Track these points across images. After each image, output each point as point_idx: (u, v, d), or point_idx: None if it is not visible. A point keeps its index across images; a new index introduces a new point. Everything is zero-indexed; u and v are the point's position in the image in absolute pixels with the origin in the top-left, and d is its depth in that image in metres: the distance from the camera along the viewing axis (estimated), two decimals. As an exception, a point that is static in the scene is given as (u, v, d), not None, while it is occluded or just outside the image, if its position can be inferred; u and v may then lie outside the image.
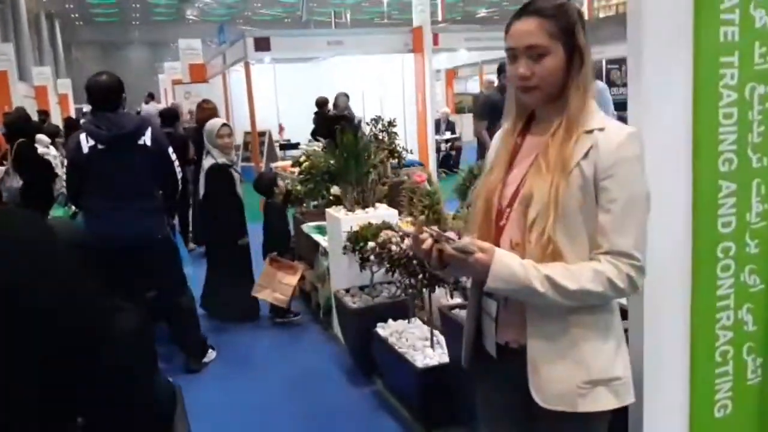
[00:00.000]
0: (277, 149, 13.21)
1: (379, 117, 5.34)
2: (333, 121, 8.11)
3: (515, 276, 1.35)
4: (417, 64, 9.68)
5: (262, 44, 8.78)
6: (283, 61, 13.30)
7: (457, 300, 3.23)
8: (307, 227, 4.64)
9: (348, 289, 3.87)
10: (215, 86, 11.52)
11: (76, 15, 35.84)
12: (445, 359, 2.98)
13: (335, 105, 9.06)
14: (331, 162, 4.42)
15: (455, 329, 2.68)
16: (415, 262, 2.88)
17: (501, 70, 6.62)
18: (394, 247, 3.07)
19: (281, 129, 14.09)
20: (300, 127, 13.28)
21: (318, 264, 4.55)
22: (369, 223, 3.72)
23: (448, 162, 12.53)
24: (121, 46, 39.56)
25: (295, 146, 13.33)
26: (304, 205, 5.24)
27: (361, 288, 3.87)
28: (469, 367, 1.62)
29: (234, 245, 4.69)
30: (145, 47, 40.35)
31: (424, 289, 2.99)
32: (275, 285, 4.62)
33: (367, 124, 5.05)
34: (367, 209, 3.99)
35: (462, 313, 2.76)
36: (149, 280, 3.70)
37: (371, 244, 3.44)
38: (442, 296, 3.27)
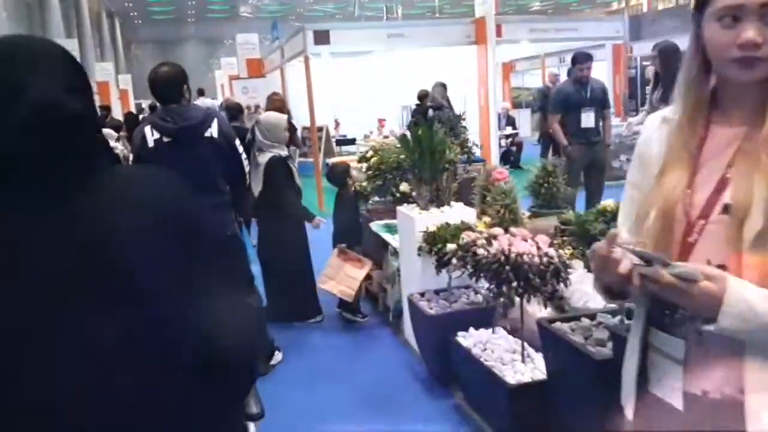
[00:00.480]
0: (333, 145, 13.07)
1: (441, 105, 5.05)
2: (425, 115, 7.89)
3: (755, 313, 1.03)
4: (480, 57, 9.36)
5: (322, 37, 8.60)
6: (340, 55, 13.12)
7: (548, 311, 2.95)
8: (376, 226, 4.41)
9: (422, 293, 3.61)
10: (272, 81, 11.43)
11: (135, 13, 36.62)
12: (539, 376, 2.69)
13: (431, 97, 8.68)
14: (402, 157, 4.17)
15: (557, 345, 2.40)
16: (507, 267, 2.60)
17: (576, 61, 6.24)
18: (480, 251, 2.79)
19: (337, 124, 13.95)
20: (355, 123, 13.16)
21: (387, 264, 4.31)
22: (446, 224, 3.47)
23: (508, 158, 12.16)
24: (177, 43, 40.29)
25: (352, 142, 13.18)
26: (371, 202, 5.01)
27: (437, 292, 3.61)
28: (638, 417, 1.32)
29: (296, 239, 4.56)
30: (200, 44, 40.99)
31: (517, 298, 2.71)
32: (341, 277, 4.42)
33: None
34: (442, 208, 3.73)
35: (565, 327, 2.47)
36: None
37: (451, 246, 3.18)
38: (530, 305, 2.99)
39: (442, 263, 3.38)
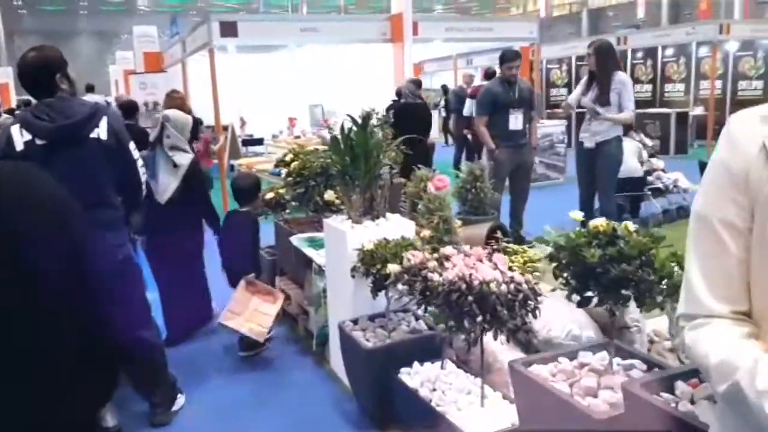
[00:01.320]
0: (240, 145, 12.31)
1: (373, 110, 4.61)
2: (404, 111, 7.35)
3: None
4: (396, 55, 8.98)
5: (229, 29, 7.92)
6: (246, 50, 12.38)
7: (517, 352, 2.53)
8: (297, 240, 3.85)
9: (355, 319, 3.11)
10: (173, 77, 10.55)
11: (19, 2, 33.88)
12: (504, 424, 2.26)
13: (404, 94, 8.10)
14: (329, 161, 3.65)
15: (536, 394, 1.96)
16: (470, 298, 2.15)
17: (504, 59, 5.93)
18: (435, 276, 2.32)
19: (243, 123, 13.17)
20: (263, 122, 12.43)
21: (311, 284, 3.77)
22: (385, 240, 2.98)
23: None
24: (68, 36, 37.58)
25: (260, 142, 12.46)
26: (288, 211, 4.45)
27: (372, 318, 3.12)
28: None
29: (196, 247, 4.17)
30: (94, 38, 38.48)
31: (484, 334, 2.26)
32: (250, 313, 3.82)
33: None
34: (377, 220, 3.25)
35: (544, 372, 2.04)
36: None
37: (393, 267, 2.69)
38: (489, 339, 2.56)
39: (379, 286, 2.90)
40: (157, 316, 3.49)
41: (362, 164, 3.15)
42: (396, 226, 3.21)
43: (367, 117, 3.25)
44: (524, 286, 2.21)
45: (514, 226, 6.07)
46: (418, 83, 7.95)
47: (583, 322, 2.73)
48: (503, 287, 2.16)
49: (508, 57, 5.95)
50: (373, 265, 2.84)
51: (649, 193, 6.71)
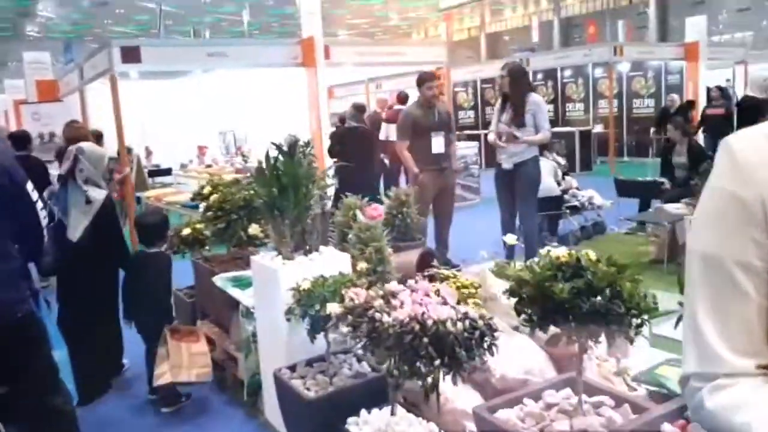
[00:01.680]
0: (146, 176, 11.70)
1: (294, 136, 4.42)
2: (348, 136, 7.08)
3: None
4: (309, 79, 8.80)
5: (131, 55, 7.47)
6: (149, 77, 11.84)
7: (469, 390, 2.37)
8: (221, 280, 3.55)
9: (292, 366, 2.86)
10: (71, 106, 9.88)
11: None
12: (467, 473, 2.09)
13: (344, 119, 7.78)
14: (251, 192, 3.41)
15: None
16: (426, 339, 1.97)
17: (423, 80, 5.88)
18: (384, 317, 2.13)
19: (149, 153, 12.55)
20: (170, 151, 11.89)
21: (238, 328, 3.48)
22: (322, 277, 2.77)
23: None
24: (-56, 65, 35.00)
25: (167, 172, 11.90)
26: (207, 248, 4.14)
27: (310, 363, 2.88)
28: None
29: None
30: (-24, 66, 36.00)
31: (443, 379, 2.08)
32: (188, 360, 3.52)
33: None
34: (310, 255, 3.03)
35: (513, 417, 1.89)
36: (2, 374, 2.49)
37: (333, 307, 2.48)
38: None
39: (317, 328, 2.68)
40: (66, 376, 3.10)
41: (291, 196, 2.93)
42: (331, 261, 3.01)
43: (293, 144, 3.04)
44: (480, 322, 2.06)
45: (440, 249, 6.00)
46: (360, 108, 7.83)
47: (534, 353, 2.62)
48: (459, 325, 2.01)
49: (426, 78, 5.91)
50: (311, 305, 2.62)
51: (568, 211, 6.83)
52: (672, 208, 5.92)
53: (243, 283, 3.45)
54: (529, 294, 1.73)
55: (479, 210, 9.59)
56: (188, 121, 11.34)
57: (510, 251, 5.44)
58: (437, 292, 2.31)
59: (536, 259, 1.90)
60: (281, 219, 2.99)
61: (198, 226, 4.05)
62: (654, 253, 6.00)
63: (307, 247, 3.04)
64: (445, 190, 6.03)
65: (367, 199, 4.26)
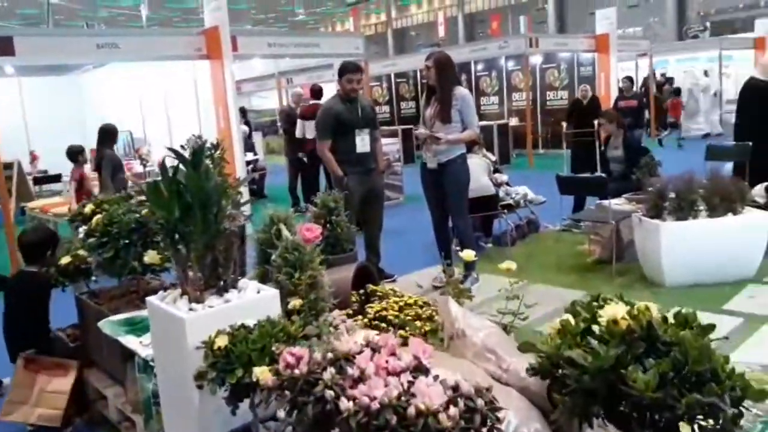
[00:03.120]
0: (31, 184, 10.44)
1: (200, 137, 3.69)
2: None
3: None
4: (214, 73, 7.96)
5: (3, 47, 6.40)
6: (32, 72, 10.53)
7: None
8: (110, 325, 2.76)
9: (209, 441, 2.17)
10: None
11: None
12: None
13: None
14: (139, 213, 2.67)
15: None
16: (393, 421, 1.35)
17: (345, 70, 5.23)
18: (342, 402, 1.49)
19: (34, 158, 11.22)
20: (58, 155, 10.64)
21: (136, 385, 2.72)
22: (242, 327, 2.08)
23: (250, 188, 10.89)
24: None
25: (56, 179, 10.66)
26: (94, 279, 3.33)
27: (232, 436, 2.20)
28: None
29: None
30: None
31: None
32: (38, 397, 3.05)
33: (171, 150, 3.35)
34: (226, 294, 2.33)
35: None
36: None
37: (264, 374, 1.81)
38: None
39: (239, 395, 2.00)
40: None
41: (198, 217, 2.22)
42: (254, 301, 2.32)
43: (199, 150, 2.33)
44: (479, 402, 1.46)
45: (371, 258, 5.40)
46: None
47: (525, 411, 2.06)
48: (453, 411, 1.40)
49: (349, 68, 5.26)
50: (230, 371, 1.94)
51: (505, 211, 6.40)
52: (611, 203, 5.58)
53: (140, 327, 2.71)
54: (587, 386, 1.14)
55: (405, 210, 9.07)
56: (79, 120, 10.19)
57: (470, 268, 4.94)
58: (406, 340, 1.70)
59: (569, 317, 1.31)
60: (186, 248, 2.28)
61: (81, 252, 3.24)
62: (597, 252, 5.65)
63: (222, 284, 2.34)
64: (373, 193, 5.43)
65: (292, 209, 3.60)
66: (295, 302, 2.45)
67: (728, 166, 6.48)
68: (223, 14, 7.73)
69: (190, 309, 2.21)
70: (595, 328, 1.24)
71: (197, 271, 2.29)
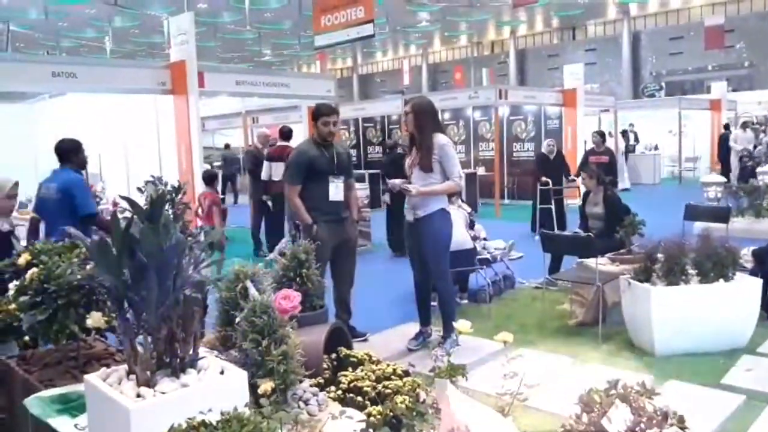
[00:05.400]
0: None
1: (160, 178, 3.30)
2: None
3: None
4: (178, 109, 7.58)
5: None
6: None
7: None
8: (40, 402, 2.28)
9: None
10: None
11: None
12: None
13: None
14: (72, 274, 2.25)
15: None
16: None
17: (320, 113, 4.91)
18: None
19: (-22, 190, 10.52)
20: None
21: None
22: (202, 426, 1.67)
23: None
24: None
25: (1, 213, 9.97)
26: (26, 339, 2.85)
27: None
28: None
29: None
30: None
31: None
32: None
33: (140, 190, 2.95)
34: (183, 376, 1.91)
35: None
36: None
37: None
38: None
39: None
40: None
41: (154, 283, 1.82)
42: (218, 384, 1.92)
43: (159, 200, 1.94)
44: None
45: (342, 315, 5.00)
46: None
47: None
48: None
49: (324, 111, 4.95)
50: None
51: (484, 267, 6.10)
52: (592, 263, 5.33)
53: (76, 405, 2.25)
54: None
55: (374, 258, 8.71)
56: (30, 153, 9.60)
57: (450, 329, 4.61)
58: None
59: None
60: (137, 319, 1.87)
61: (12, 307, 2.77)
62: (580, 314, 5.35)
63: (178, 362, 1.93)
64: (346, 244, 5.07)
65: (260, 264, 3.21)
66: (265, 386, 2.04)
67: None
68: (191, 48, 7.41)
69: (138, 395, 1.79)
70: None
71: (149, 347, 1.88)
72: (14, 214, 4.89)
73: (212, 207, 7.37)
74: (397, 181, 4.78)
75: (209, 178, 7.68)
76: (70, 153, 4.82)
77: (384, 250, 9.07)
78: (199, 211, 7.32)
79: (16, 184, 4.23)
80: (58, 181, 4.60)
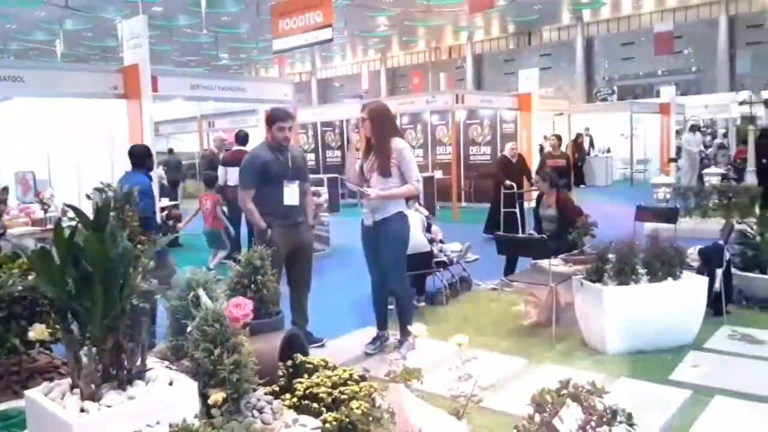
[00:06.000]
0: None
1: (109, 185, 3.25)
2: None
3: None
4: (131, 113, 7.42)
5: None
6: None
7: None
8: (-21, 419, 2.23)
9: None
10: None
11: None
12: None
13: None
14: (12, 285, 2.19)
15: None
16: None
17: (276, 118, 4.87)
18: None
19: None
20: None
21: (7, 497, 2.18)
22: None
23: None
24: None
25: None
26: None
27: None
28: None
29: None
30: None
31: None
32: None
33: (89, 196, 2.89)
34: (130, 388, 1.87)
35: None
36: None
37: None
38: None
39: None
40: None
41: (99, 293, 1.78)
42: (166, 396, 1.88)
43: (104, 208, 1.90)
44: None
45: (298, 321, 4.95)
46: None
47: None
48: None
49: (279, 116, 4.90)
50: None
51: (441, 270, 6.14)
52: (546, 264, 5.41)
53: (17, 423, 2.18)
54: None
55: (332, 263, 8.66)
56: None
57: (407, 333, 4.60)
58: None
59: None
60: (81, 330, 1.82)
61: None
62: (533, 315, 5.43)
63: (125, 374, 1.89)
64: (300, 248, 5.02)
65: (213, 271, 3.18)
66: (216, 396, 2.02)
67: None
68: (144, 52, 7.25)
69: (82, 410, 1.75)
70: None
71: (94, 359, 1.84)
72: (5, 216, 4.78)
73: (216, 207, 8.34)
74: (353, 186, 4.77)
75: (210, 182, 8.69)
76: (142, 158, 5.26)
77: (341, 255, 9.05)
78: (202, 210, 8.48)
79: (5, 189, 4.12)
80: (129, 182, 4.76)
